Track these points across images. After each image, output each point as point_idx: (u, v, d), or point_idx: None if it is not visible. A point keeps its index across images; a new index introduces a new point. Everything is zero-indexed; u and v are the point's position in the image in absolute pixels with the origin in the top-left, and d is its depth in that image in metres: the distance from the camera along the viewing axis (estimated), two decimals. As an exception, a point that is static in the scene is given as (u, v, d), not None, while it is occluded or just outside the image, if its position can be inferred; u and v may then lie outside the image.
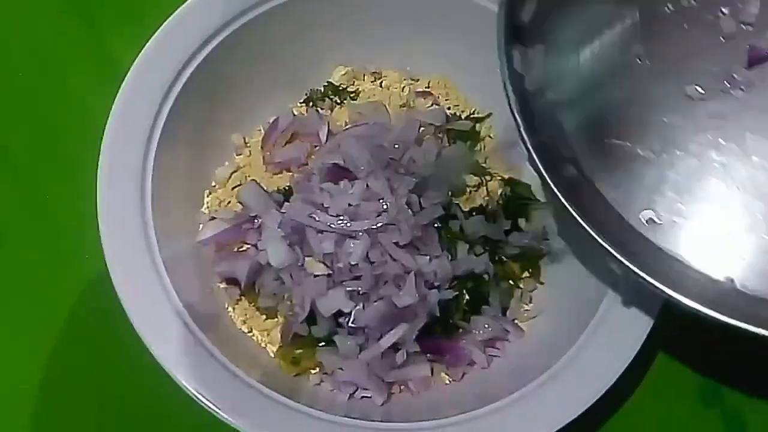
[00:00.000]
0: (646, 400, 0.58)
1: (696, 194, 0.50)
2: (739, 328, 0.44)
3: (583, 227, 0.46)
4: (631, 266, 0.46)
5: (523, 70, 0.48)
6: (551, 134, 0.50)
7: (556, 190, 0.47)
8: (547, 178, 0.47)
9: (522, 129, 0.47)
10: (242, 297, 0.57)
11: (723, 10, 0.51)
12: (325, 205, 0.54)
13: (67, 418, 0.58)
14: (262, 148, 0.60)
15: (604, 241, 0.46)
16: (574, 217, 0.47)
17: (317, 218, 0.53)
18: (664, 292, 0.45)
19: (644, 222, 0.50)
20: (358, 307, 0.53)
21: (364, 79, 0.63)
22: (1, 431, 0.57)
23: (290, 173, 0.59)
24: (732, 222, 0.50)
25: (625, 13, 0.52)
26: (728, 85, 0.51)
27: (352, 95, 0.62)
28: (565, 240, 0.59)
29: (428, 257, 0.54)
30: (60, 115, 0.65)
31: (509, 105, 0.48)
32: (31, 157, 0.64)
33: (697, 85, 0.51)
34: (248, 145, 0.61)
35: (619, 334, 0.52)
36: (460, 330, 0.56)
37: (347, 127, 0.59)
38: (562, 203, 0.47)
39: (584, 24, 0.51)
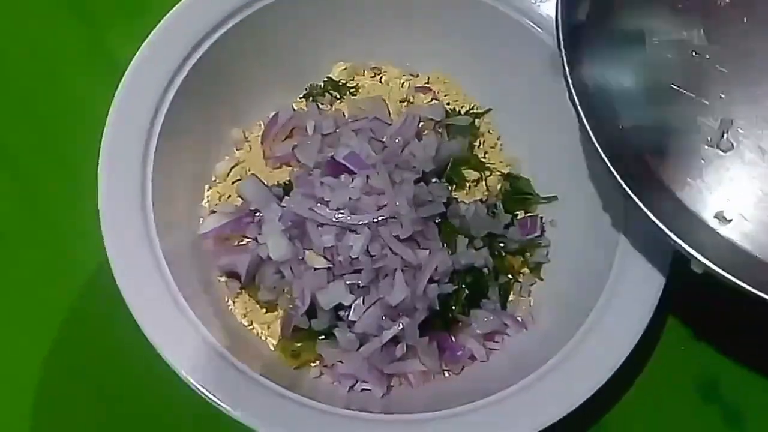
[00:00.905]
0: (644, 395, 0.58)
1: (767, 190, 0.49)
2: None
3: (659, 228, 0.45)
4: (714, 268, 0.44)
5: (585, 67, 0.48)
6: (615, 133, 0.49)
7: (627, 189, 0.46)
8: (616, 176, 0.46)
9: (587, 123, 0.47)
10: (242, 290, 0.57)
11: None
12: (326, 199, 0.54)
13: (68, 417, 0.58)
14: (262, 142, 0.61)
15: (683, 242, 0.45)
16: (648, 216, 0.46)
17: (318, 211, 0.53)
18: (753, 293, 0.44)
19: (714, 218, 0.49)
20: (357, 307, 0.53)
21: (363, 75, 0.64)
22: (1, 431, 0.57)
23: (290, 167, 0.59)
24: None
25: (680, 7, 0.51)
26: None
27: (351, 90, 0.62)
28: (563, 234, 0.59)
29: (428, 251, 0.54)
30: (59, 113, 0.65)
31: (572, 101, 0.47)
32: (31, 157, 0.64)
33: (763, 80, 0.50)
34: (248, 139, 0.61)
35: (618, 328, 0.52)
36: (460, 324, 0.56)
37: (347, 121, 0.59)
38: (634, 202, 0.46)
39: (641, 19, 0.51)
